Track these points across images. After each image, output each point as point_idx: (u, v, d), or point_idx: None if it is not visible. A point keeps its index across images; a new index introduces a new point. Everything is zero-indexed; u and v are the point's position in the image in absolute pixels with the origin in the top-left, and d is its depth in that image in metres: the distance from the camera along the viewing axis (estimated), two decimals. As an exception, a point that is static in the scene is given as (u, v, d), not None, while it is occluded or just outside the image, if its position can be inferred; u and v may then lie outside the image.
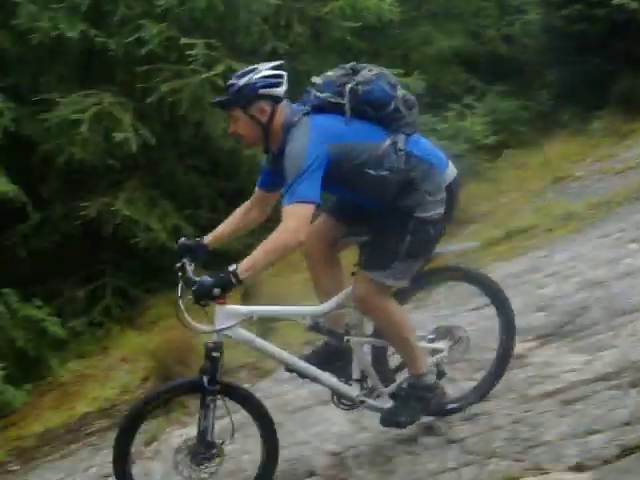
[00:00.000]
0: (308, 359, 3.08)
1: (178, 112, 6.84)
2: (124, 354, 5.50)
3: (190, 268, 2.99)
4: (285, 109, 2.92)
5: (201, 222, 7.27)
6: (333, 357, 3.09)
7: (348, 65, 3.02)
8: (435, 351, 3.24)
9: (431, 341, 3.26)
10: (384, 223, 2.97)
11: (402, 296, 3.16)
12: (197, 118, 6.97)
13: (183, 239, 3.10)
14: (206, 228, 7.35)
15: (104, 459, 3.72)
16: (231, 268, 2.74)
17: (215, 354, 2.84)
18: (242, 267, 2.72)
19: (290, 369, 3.05)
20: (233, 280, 2.72)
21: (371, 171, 2.88)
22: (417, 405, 3.07)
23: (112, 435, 3.55)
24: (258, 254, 2.72)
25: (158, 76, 6.88)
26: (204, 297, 2.73)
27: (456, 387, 3.37)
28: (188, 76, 6.82)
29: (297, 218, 2.73)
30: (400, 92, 2.99)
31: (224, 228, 3.18)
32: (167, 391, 2.99)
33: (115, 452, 2.83)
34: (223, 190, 7.63)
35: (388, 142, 2.92)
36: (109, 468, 2.91)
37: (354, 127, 2.90)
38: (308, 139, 2.81)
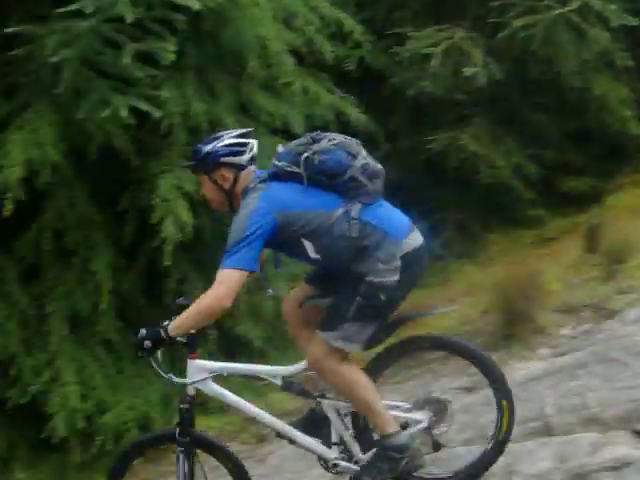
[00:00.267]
0: (297, 425, 3.46)
1: (529, 48, 7.32)
2: (464, 288, 6.20)
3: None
4: (249, 175, 3.35)
5: (545, 162, 7.77)
6: (318, 423, 3.45)
7: (310, 134, 3.38)
8: (414, 422, 3.42)
9: (408, 411, 3.45)
10: (339, 285, 3.31)
11: (373, 370, 3.43)
12: (548, 54, 7.40)
13: (181, 299, 3.44)
14: (552, 168, 7.81)
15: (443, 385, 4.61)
16: (164, 323, 3.23)
17: (184, 406, 3.32)
18: (172, 325, 3.20)
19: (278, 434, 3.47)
20: (163, 335, 3.20)
21: (321, 238, 3.23)
22: (384, 465, 3.29)
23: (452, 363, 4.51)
24: (187, 315, 3.19)
25: (511, 11, 7.42)
26: (138, 348, 3.23)
27: (445, 462, 3.50)
28: (542, 12, 7.28)
29: (227, 285, 3.13)
30: (360, 162, 3.28)
31: None
32: (145, 442, 3.63)
33: None
34: (570, 130, 7.99)
35: (340, 211, 3.26)
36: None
37: (307, 196, 3.28)
38: (255, 207, 3.21)
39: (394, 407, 3.48)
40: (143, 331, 3.24)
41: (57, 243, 5.43)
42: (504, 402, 3.41)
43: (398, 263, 3.28)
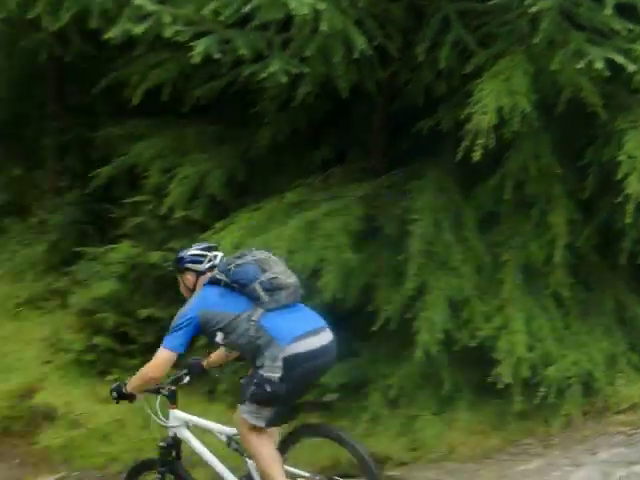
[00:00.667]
0: None
1: None
2: None
3: (185, 380, 5.05)
4: (205, 279, 4.79)
5: None
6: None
7: (243, 250, 4.83)
8: None
9: None
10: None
11: (282, 446, 4.64)
12: None
13: (194, 359, 5.17)
14: None
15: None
16: (126, 381, 4.79)
17: (163, 444, 4.88)
18: (129, 383, 4.79)
19: None
20: (123, 390, 4.82)
21: (219, 337, 4.58)
22: None
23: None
24: (134, 378, 4.76)
25: None
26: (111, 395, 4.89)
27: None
28: None
29: (158, 360, 4.58)
30: (266, 277, 4.54)
31: (214, 356, 5.15)
32: (136, 468, 5.19)
33: None
34: None
35: (246, 314, 4.52)
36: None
37: (225, 299, 4.59)
38: (191, 303, 4.68)
39: (294, 475, 4.61)
40: (113, 385, 4.95)
41: (517, 193, 6.35)
42: None
43: (280, 363, 4.44)
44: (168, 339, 4.61)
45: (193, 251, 4.98)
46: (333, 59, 6.04)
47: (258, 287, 4.55)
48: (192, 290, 4.88)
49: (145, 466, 5.18)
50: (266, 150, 7.37)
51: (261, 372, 4.48)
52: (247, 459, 4.68)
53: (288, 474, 4.54)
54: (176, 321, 4.64)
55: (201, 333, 4.73)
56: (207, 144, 7.66)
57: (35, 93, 9.86)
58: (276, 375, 4.45)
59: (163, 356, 4.59)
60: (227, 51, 6.10)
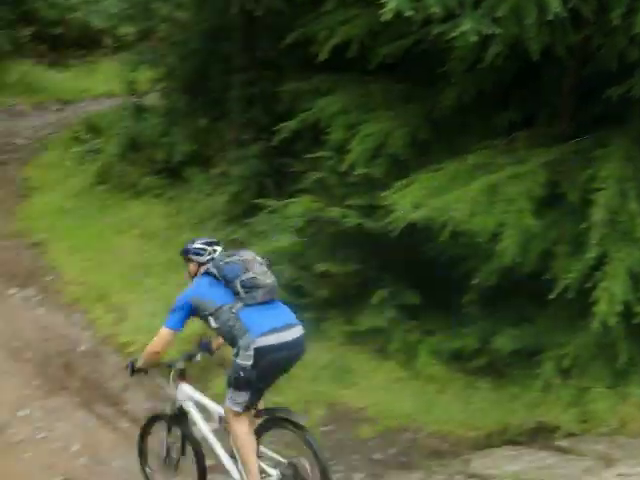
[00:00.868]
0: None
1: None
2: None
3: (196, 358, 6.15)
4: (204, 269, 5.85)
5: None
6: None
7: (234, 250, 5.92)
8: (264, 473, 5.62)
9: (266, 464, 5.64)
10: None
11: (257, 432, 5.70)
12: None
13: (205, 340, 6.28)
14: None
15: None
16: (138, 357, 5.96)
17: (172, 412, 6.07)
18: (139, 359, 5.93)
19: None
20: (135, 366, 5.96)
21: (212, 322, 5.65)
22: None
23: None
24: (142, 355, 5.91)
25: None
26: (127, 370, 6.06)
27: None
28: None
29: (159, 337, 5.74)
30: (246, 276, 5.58)
31: (217, 340, 6.13)
32: (151, 418, 6.34)
33: (137, 448, 6.35)
34: None
35: (228, 306, 5.56)
36: None
37: (214, 290, 5.65)
38: (187, 290, 5.80)
39: (265, 456, 5.70)
40: (129, 361, 6.06)
41: None
42: None
43: (251, 352, 5.44)
44: (168, 318, 5.80)
45: (197, 244, 6.09)
46: (525, 20, 6.34)
47: (238, 284, 5.63)
48: (193, 277, 6.03)
49: (158, 418, 6.32)
50: (451, 111, 7.73)
51: (236, 360, 5.54)
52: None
53: (263, 455, 5.72)
54: (175, 303, 5.82)
55: (196, 316, 5.81)
56: (392, 102, 8.12)
57: (223, 46, 10.71)
58: (248, 363, 5.49)
59: (163, 333, 5.78)
60: (418, 9, 6.48)
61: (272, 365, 5.57)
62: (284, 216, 8.48)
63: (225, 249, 6.03)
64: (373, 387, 7.54)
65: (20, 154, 14.43)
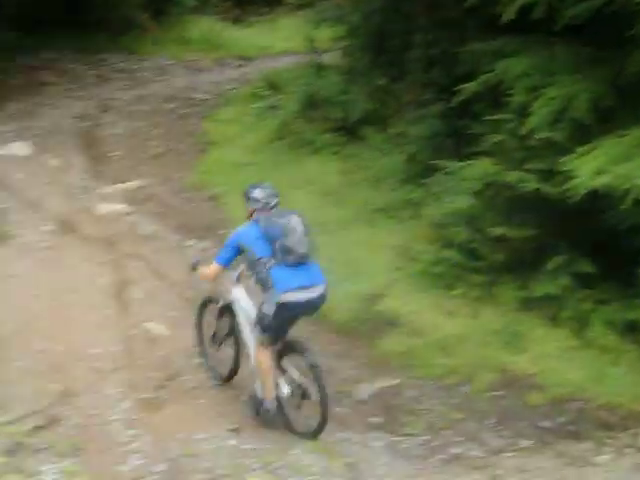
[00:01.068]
0: None
1: None
2: None
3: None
4: (257, 215, 6.69)
5: None
6: None
7: (284, 211, 6.69)
8: (279, 386, 6.75)
9: (283, 380, 6.75)
10: None
11: (280, 352, 6.75)
12: None
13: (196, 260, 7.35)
14: None
15: None
16: (201, 267, 7.06)
17: (223, 300, 7.18)
18: (200, 269, 7.04)
19: None
20: (195, 268, 7.11)
21: (251, 268, 6.67)
22: (260, 410, 6.84)
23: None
24: (202, 271, 7.02)
25: None
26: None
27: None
28: None
29: (210, 270, 6.87)
30: (283, 241, 6.40)
31: None
32: (205, 300, 7.51)
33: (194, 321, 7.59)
34: None
35: (264, 259, 6.48)
36: None
37: (258, 242, 6.52)
38: (239, 231, 6.73)
39: (287, 373, 6.74)
40: (194, 260, 7.24)
41: None
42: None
43: (273, 306, 6.44)
44: (219, 254, 6.88)
45: (255, 193, 6.79)
46: None
47: (277, 246, 6.48)
48: (248, 218, 6.85)
49: (212, 300, 7.43)
50: (638, 76, 7.48)
51: (262, 308, 6.61)
52: None
53: (286, 372, 6.73)
54: (226, 241, 6.91)
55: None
56: (577, 66, 7.93)
57: (406, 5, 10.76)
58: (270, 313, 6.54)
59: (213, 268, 6.91)
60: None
61: (288, 318, 6.70)
62: (461, 178, 8.53)
63: (278, 208, 6.78)
64: (544, 354, 7.49)
65: (200, 108, 15.02)
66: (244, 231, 6.74)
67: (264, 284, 6.54)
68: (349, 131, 11.71)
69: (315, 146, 11.87)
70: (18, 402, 6.63)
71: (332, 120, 11.97)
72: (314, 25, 12.75)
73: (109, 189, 11.26)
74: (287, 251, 6.47)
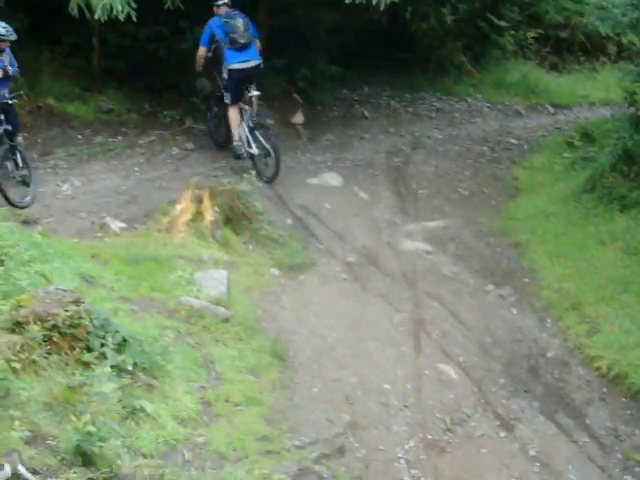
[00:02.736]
0: None
1: None
2: None
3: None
4: (219, 11, 12.05)
5: None
6: None
7: (233, 12, 12.07)
8: (251, 147, 11.97)
9: (255, 145, 11.91)
10: None
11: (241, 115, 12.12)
12: None
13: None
14: None
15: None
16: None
17: (218, 92, 12.85)
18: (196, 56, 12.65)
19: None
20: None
21: (214, 49, 12.17)
22: (232, 151, 12.33)
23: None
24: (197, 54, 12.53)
25: None
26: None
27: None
28: None
29: (200, 50, 12.27)
30: (232, 34, 11.69)
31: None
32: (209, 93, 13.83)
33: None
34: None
35: (222, 43, 11.84)
36: None
37: (219, 30, 11.87)
38: (208, 23, 12.13)
39: (257, 140, 11.86)
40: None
41: None
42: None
43: (226, 72, 11.88)
44: (200, 40, 11.98)
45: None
46: None
47: (228, 38, 11.54)
48: (214, 15, 11.83)
49: (214, 92, 12.94)
50: None
51: (222, 74, 11.80)
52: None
53: (256, 140, 11.88)
54: (203, 29, 11.90)
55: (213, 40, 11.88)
56: None
57: None
58: (225, 76, 11.78)
59: (201, 49, 11.96)
60: None
61: (238, 79, 11.74)
62: None
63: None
64: None
65: (511, 153, 15.02)
66: (213, 21, 11.78)
67: (221, 60, 11.75)
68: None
69: (626, 202, 11.39)
70: (309, 428, 6.88)
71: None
72: (634, 78, 12.28)
73: (413, 226, 11.50)
74: (234, 40, 11.60)
